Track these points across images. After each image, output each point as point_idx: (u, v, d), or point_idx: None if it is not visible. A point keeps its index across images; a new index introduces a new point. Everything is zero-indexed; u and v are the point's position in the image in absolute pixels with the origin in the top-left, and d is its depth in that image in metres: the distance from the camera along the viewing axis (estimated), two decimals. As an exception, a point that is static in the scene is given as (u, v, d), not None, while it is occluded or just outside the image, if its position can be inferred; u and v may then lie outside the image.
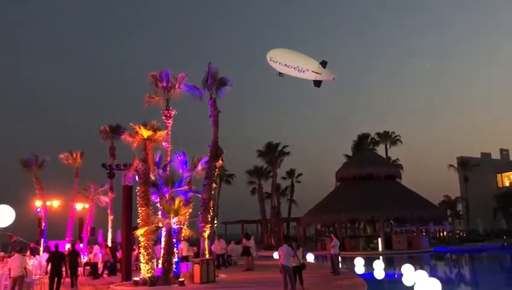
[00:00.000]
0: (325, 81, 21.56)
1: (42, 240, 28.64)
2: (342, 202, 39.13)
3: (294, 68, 21.49)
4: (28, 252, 23.59)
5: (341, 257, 21.51)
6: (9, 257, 17.11)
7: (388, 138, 56.81)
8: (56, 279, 15.20)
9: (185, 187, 19.51)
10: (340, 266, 20.50)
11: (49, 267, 15.48)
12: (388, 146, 56.89)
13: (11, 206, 28.73)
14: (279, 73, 21.86)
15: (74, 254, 18.45)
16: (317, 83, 21.44)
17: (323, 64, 21.11)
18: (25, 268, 15.00)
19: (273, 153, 49.42)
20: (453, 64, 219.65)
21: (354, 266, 21.83)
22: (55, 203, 31.76)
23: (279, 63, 21.60)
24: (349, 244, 38.02)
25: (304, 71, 21.36)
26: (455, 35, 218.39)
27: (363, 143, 55.07)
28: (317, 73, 20.99)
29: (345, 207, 38.18)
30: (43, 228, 29.55)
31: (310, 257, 27.43)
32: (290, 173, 56.09)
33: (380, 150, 55.54)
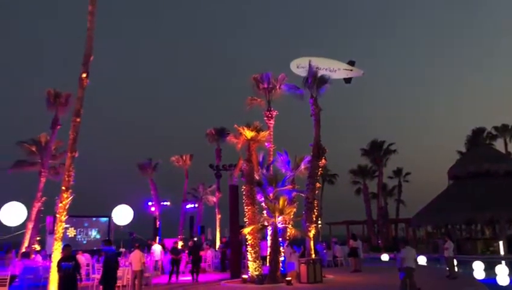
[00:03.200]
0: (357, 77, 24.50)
1: (157, 237, 30.71)
2: (456, 201, 36.49)
3: (325, 69, 23.42)
4: (146, 249, 25.36)
5: (457, 261, 20.07)
6: (130, 252, 18.57)
7: (508, 131, 51.81)
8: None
9: (289, 186, 19.61)
10: (456, 269, 19.13)
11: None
12: (508, 140, 51.87)
13: (129, 206, 31.39)
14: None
15: (196, 249, 19.91)
16: (348, 80, 23.68)
17: (351, 63, 23.37)
18: (143, 263, 16.22)
19: (378, 151, 47.67)
20: None
21: (473, 270, 20.20)
22: (168, 203, 33.92)
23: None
24: (464, 247, 35.34)
25: (335, 71, 23.57)
26: None
27: (478, 138, 50.84)
28: (349, 70, 23.28)
29: (459, 207, 35.56)
30: (157, 226, 31.72)
31: (422, 260, 25.99)
32: (397, 172, 53.67)
33: (498, 145, 50.84)
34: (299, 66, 23.74)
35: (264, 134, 19.83)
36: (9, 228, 25.36)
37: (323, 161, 20.77)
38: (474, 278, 18.56)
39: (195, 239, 22.96)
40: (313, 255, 19.30)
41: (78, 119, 14.94)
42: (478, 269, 19.67)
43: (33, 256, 21.81)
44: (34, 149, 25.74)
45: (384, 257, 29.97)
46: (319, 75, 20.91)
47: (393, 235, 51.36)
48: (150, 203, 32.50)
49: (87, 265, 19.49)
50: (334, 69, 23.75)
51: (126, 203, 31.04)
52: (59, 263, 10.73)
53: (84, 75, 15.18)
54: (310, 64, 21.32)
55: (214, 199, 33.85)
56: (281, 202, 17.95)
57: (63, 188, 14.52)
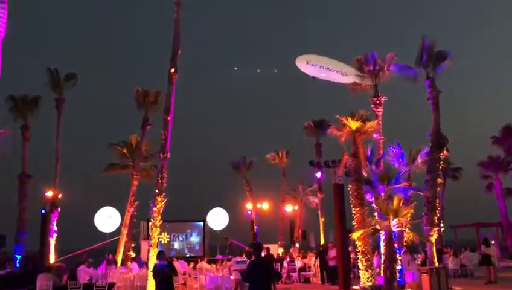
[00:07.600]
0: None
1: (255, 243, 31.47)
2: None
3: (337, 71, 24.58)
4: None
5: None
6: (228, 259, 19.32)
7: None
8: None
9: (404, 184, 19.08)
10: None
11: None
12: None
13: (224, 209, 32.62)
14: (313, 77, 24.86)
15: (323, 254, 22.23)
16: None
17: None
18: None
19: (513, 138, 44.47)
20: None
21: None
22: (265, 205, 34.55)
23: (320, 66, 24.47)
24: None
25: (347, 75, 24.34)
26: None
27: None
28: (359, 76, 23.80)
29: None
30: (255, 230, 32.52)
31: None
32: (539, 163, 49.68)
33: None
34: (308, 63, 24.78)
35: (371, 124, 19.39)
36: (105, 234, 27.58)
37: (444, 152, 19.95)
38: None
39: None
40: (436, 264, 18.59)
41: (169, 117, 15.82)
42: None
43: (129, 264, 23.54)
44: (125, 151, 27.71)
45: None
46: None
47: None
48: (246, 206, 33.41)
49: (184, 273, 20.53)
50: (346, 73, 24.48)
51: (221, 206, 32.28)
52: (154, 266, 11.56)
53: (172, 70, 16.06)
54: (423, 40, 20.48)
55: (316, 200, 33.80)
56: (395, 202, 17.43)
57: (157, 191, 15.53)
